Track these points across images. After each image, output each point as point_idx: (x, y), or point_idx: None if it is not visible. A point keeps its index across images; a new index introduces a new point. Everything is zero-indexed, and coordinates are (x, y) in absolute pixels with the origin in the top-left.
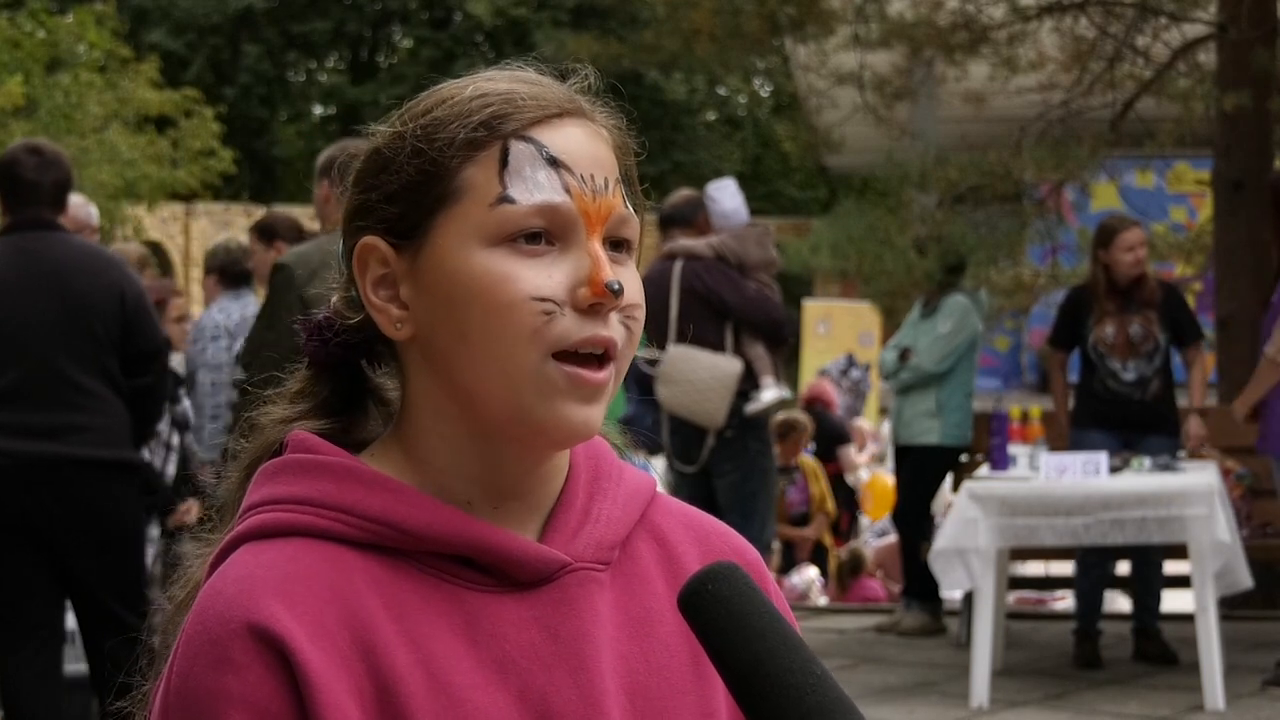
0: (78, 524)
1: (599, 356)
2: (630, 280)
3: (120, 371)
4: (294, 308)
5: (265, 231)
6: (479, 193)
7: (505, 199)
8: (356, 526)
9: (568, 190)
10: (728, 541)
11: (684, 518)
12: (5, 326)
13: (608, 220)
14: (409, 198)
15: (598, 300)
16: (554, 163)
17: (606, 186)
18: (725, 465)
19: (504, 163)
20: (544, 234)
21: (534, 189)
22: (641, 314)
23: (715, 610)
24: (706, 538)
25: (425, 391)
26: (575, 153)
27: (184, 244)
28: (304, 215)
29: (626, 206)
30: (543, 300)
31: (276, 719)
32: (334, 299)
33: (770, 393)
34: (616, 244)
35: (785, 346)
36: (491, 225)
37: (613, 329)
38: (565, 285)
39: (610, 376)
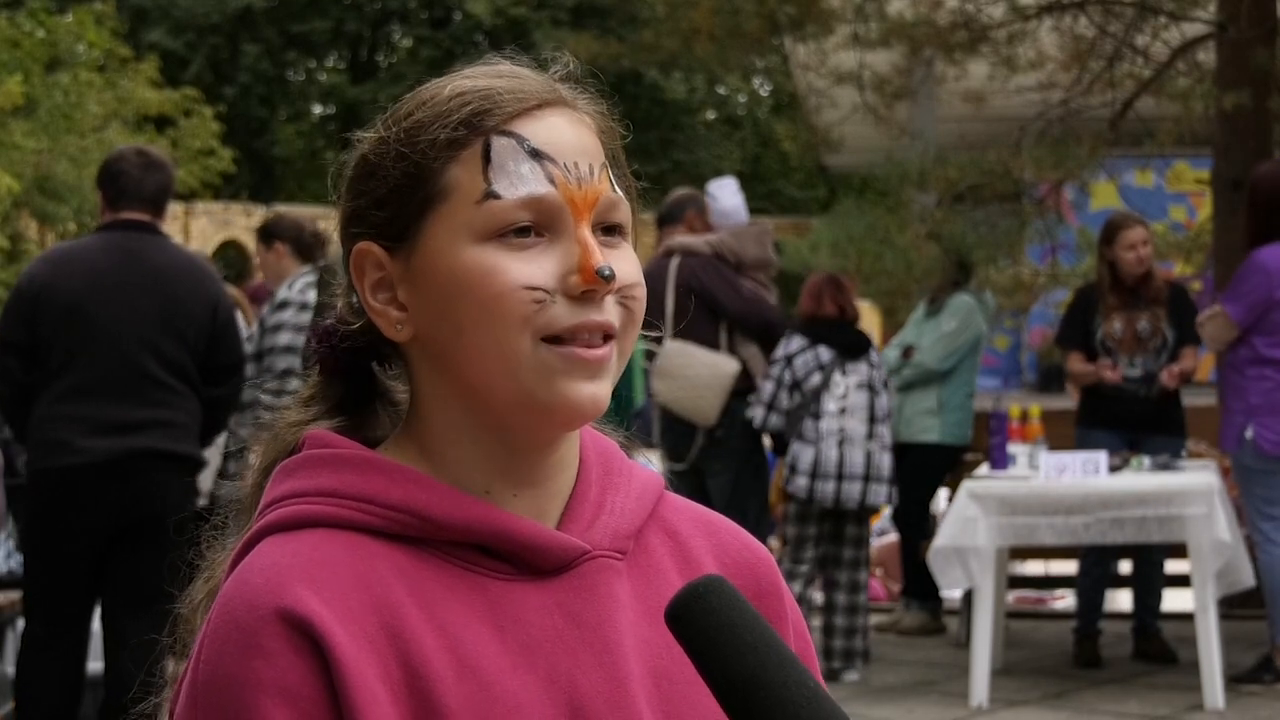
0: (139, 514)
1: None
2: (624, 262)
3: (199, 379)
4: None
5: (264, 234)
6: (465, 191)
7: (490, 195)
8: (379, 516)
9: (552, 180)
10: (737, 538)
11: (693, 514)
12: (99, 321)
13: (595, 207)
14: (397, 201)
15: (589, 287)
16: (536, 154)
17: (592, 173)
18: (715, 465)
19: (487, 159)
20: (532, 227)
21: (518, 182)
22: (641, 292)
23: (705, 623)
24: (716, 533)
25: (432, 388)
26: (558, 142)
27: (183, 243)
28: (304, 214)
29: (615, 190)
30: (533, 289)
31: (308, 704)
32: (339, 305)
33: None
34: (609, 229)
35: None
36: (479, 222)
37: (608, 312)
38: (556, 274)
39: (611, 353)
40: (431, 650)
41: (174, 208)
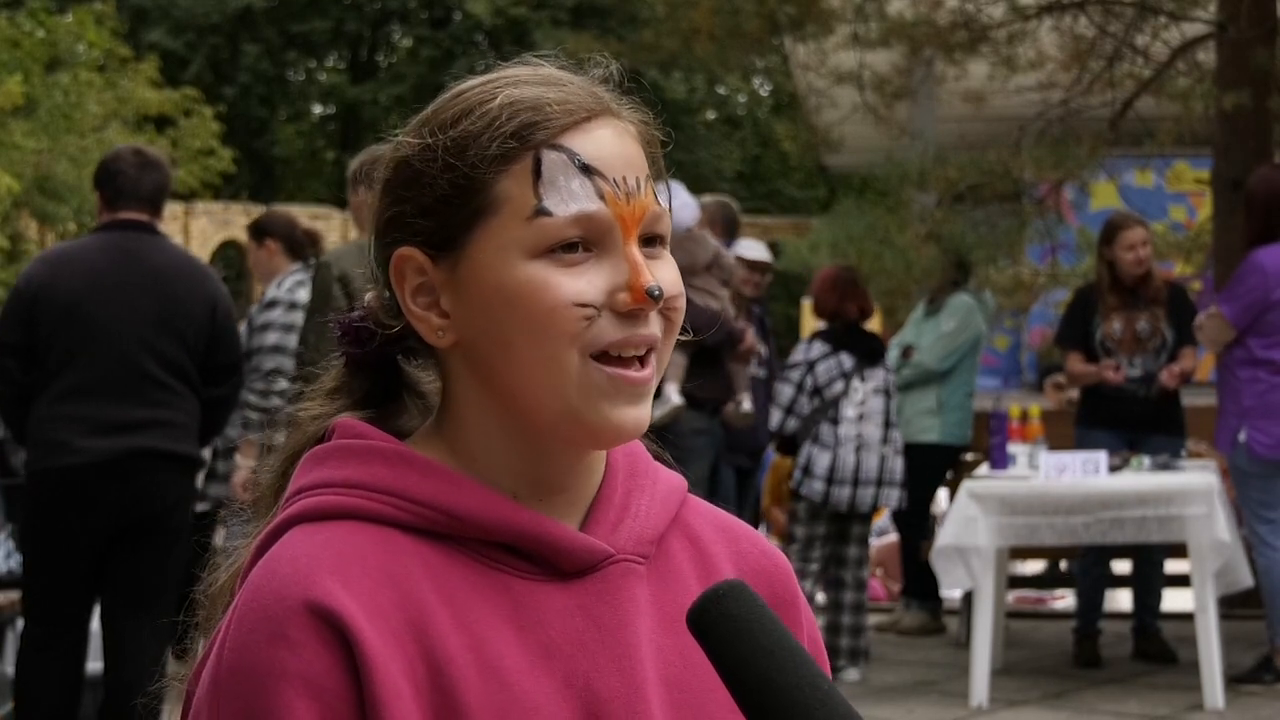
0: (139, 514)
1: (640, 356)
2: (666, 272)
3: (198, 379)
4: (338, 300)
5: (256, 231)
6: (515, 205)
7: (541, 211)
8: (409, 511)
9: (602, 196)
10: (756, 545)
11: (713, 519)
12: (98, 321)
13: (642, 221)
14: (444, 211)
15: (638, 306)
16: (587, 170)
17: (639, 187)
18: None
19: (537, 174)
20: (581, 242)
21: (569, 199)
22: (681, 303)
23: (724, 627)
24: (736, 540)
25: (469, 393)
26: (607, 156)
27: (183, 243)
28: (303, 214)
29: (658, 203)
30: (583, 305)
31: (333, 696)
32: (368, 298)
33: (666, 403)
34: (650, 239)
35: (730, 353)
36: (530, 238)
37: (652, 326)
38: (605, 290)
39: (653, 373)
40: (455, 648)
41: (174, 207)
